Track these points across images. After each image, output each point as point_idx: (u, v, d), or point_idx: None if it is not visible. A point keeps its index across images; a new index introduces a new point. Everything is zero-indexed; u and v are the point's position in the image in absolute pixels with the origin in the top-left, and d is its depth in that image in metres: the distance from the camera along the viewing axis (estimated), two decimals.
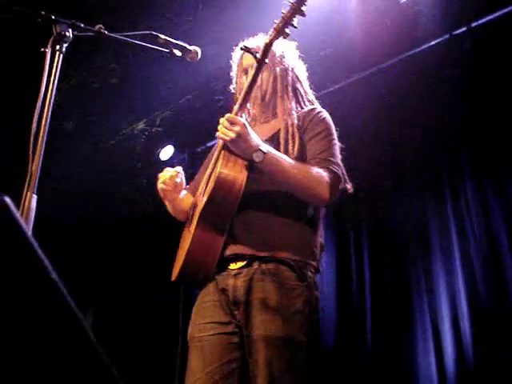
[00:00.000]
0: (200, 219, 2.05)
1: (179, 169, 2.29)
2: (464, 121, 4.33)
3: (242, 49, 2.12)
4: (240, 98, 2.09)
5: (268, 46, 2.02)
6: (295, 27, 2.00)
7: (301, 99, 2.35)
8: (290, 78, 2.33)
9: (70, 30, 1.88)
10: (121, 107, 5.35)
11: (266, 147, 2.01)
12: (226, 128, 1.97)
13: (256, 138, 2.01)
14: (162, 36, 2.16)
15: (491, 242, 3.98)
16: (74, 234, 6.14)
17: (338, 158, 2.17)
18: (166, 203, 2.37)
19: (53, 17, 1.86)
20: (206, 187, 2.16)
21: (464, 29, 4.26)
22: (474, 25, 4.21)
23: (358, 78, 4.76)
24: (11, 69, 4.48)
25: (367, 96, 4.65)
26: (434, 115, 4.47)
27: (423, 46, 4.45)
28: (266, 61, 2.04)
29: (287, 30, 2.01)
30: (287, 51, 2.36)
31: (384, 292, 4.42)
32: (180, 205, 2.35)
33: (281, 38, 2.03)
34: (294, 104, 2.29)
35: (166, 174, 2.27)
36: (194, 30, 4.33)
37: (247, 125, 2.00)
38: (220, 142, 2.14)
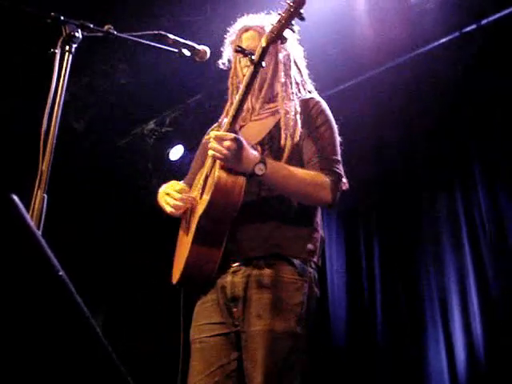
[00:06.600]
0: (197, 232, 1.99)
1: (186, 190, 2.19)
2: (475, 120, 4.30)
3: (236, 50, 2.06)
4: (233, 108, 1.98)
5: (265, 50, 1.92)
6: (293, 31, 1.94)
7: (301, 88, 2.30)
8: (291, 65, 2.27)
9: (80, 31, 1.89)
10: (130, 107, 5.36)
11: (266, 159, 1.95)
12: (216, 147, 1.89)
13: (251, 151, 1.94)
14: (171, 36, 2.16)
15: (503, 237, 3.95)
16: (85, 234, 6.16)
17: (339, 153, 2.14)
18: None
19: (62, 18, 1.87)
20: (202, 190, 2.10)
21: (474, 26, 4.24)
22: (483, 22, 4.19)
23: (367, 77, 4.75)
24: (21, 70, 4.51)
25: (376, 95, 4.63)
26: (443, 114, 4.44)
27: (433, 44, 4.43)
28: (263, 64, 1.94)
29: (286, 34, 1.92)
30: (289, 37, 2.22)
31: (395, 291, 4.40)
32: None
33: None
34: (295, 92, 2.24)
35: (173, 194, 2.13)
36: (204, 29, 4.32)
37: (240, 138, 1.91)
38: None
